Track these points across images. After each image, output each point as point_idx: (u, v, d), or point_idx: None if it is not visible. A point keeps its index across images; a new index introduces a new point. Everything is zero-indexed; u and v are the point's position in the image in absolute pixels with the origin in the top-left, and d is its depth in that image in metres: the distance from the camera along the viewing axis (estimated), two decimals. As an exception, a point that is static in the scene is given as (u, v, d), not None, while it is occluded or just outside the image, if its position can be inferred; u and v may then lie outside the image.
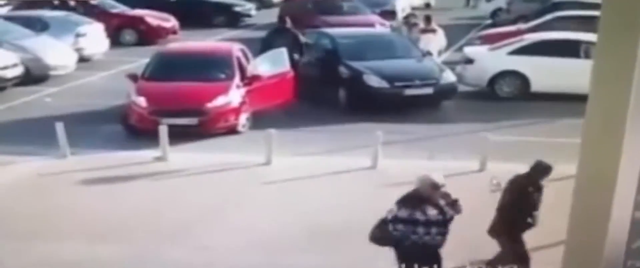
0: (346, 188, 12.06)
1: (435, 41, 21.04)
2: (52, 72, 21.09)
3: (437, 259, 7.68)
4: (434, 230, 7.50)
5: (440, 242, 7.63)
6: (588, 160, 6.49)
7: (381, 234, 7.73)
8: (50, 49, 21.65)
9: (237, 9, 35.68)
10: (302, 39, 19.94)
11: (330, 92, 17.79)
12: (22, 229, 10.32)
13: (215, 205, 11.29)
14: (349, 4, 30.34)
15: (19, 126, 16.17)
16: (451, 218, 7.67)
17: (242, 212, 11.07)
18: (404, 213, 7.49)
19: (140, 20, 29.36)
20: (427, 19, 21.57)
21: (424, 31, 21.05)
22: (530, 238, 9.60)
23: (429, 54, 19.60)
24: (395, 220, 7.52)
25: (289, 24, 20.37)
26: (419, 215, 7.45)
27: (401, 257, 7.70)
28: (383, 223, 7.69)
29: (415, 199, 7.57)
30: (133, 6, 30.52)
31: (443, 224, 7.59)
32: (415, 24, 21.81)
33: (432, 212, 7.48)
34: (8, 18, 24.24)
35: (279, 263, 9.44)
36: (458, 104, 18.12)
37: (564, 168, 9.89)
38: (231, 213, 11.00)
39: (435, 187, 7.58)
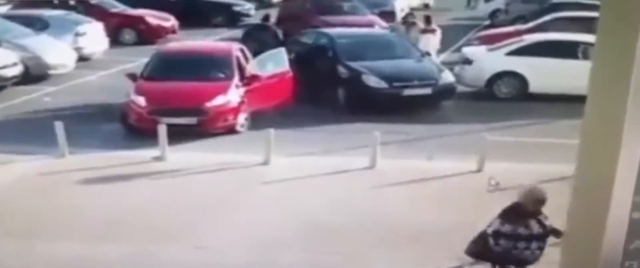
0: (344, 189, 12.07)
1: (434, 41, 21.12)
2: (51, 71, 21.10)
3: None
4: (534, 244, 7.34)
5: (538, 257, 7.47)
6: (586, 161, 6.51)
7: (480, 249, 7.59)
8: (50, 48, 21.65)
9: (237, 8, 35.72)
10: (280, 35, 21.33)
11: (329, 92, 17.81)
12: (21, 228, 10.33)
13: (214, 205, 11.29)
14: (348, 5, 30.36)
15: (18, 125, 16.18)
16: (550, 232, 7.48)
17: (240, 211, 11.08)
18: (507, 228, 7.33)
19: (140, 19, 29.40)
20: (427, 19, 21.61)
21: (424, 31, 21.11)
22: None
23: (427, 54, 19.65)
24: (498, 234, 7.36)
25: (270, 21, 21.98)
26: (522, 230, 7.29)
27: None
28: (482, 237, 7.55)
29: (518, 213, 7.40)
30: (133, 5, 30.55)
31: (543, 238, 7.42)
32: (413, 24, 21.83)
33: (535, 226, 7.31)
34: (8, 17, 24.23)
35: (277, 263, 9.45)
36: (456, 104, 18.16)
37: (562, 169, 9.94)
38: (229, 213, 11.01)
39: (542, 201, 7.38)
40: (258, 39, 20.34)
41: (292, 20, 28.46)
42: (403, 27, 22.23)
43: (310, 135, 15.44)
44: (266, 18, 22.48)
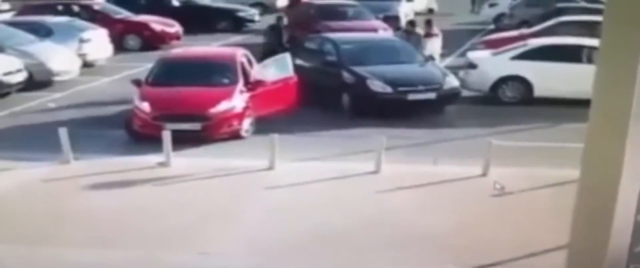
0: (349, 193, 12.07)
1: (436, 45, 21.12)
2: (55, 78, 21.16)
3: None
4: None
5: None
6: (591, 164, 6.50)
7: None
8: (54, 54, 21.68)
9: (241, 14, 35.74)
10: (285, 38, 22.95)
11: (334, 97, 17.81)
12: (27, 234, 10.33)
13: (218, 210, 11.29)
14: (353, 10, 30.35)
15: (23, 131, 16.19)
16: None
17: (245, 217, 11.07)
18: None
19: (144, 25, 29.45)
20: (428, 23, 21.57)
21: (426, 35, 21.10)
22: (534, 242, 9.63)
23: (431, 58, 19.64)
24: None
25: (284, 22, 23.56)
26: None
27: None
28: None
29: None
30: (137, 12, 30.62)
31: None
32: (412, 33, 21.77)
33: None
34: (12, 24, 24.26)
35: (283, 268, 9.46)
36: (461, 108, 18.15)
37: (567, 172, 9.93)
38: (234, 218, 11.00)
39: None
40: (268, 39, 22.45)
41: (296, 25, 28.48)
42: (404, 35, 22.13)
43: (315, 140, 15.44)
44: (278, 19, 23.52)
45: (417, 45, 20.39)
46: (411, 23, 22.34)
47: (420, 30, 21.53)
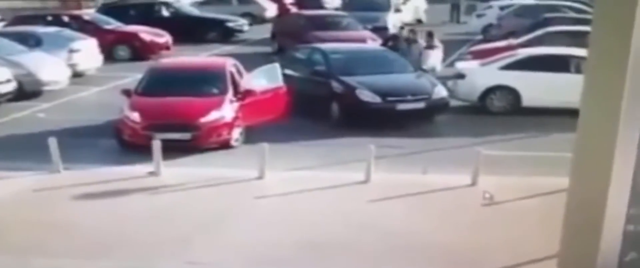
0: (339, 203, 12.08)
1: (437, 57, 21.30)
2: (45, 88, 21.10)
3: None
4: None
5: None
6: (580, 174, 6.54)
7: None
8: (44, 64, 21.64)
9: (230, 24, 35.76)
10: None
11: (323, 106, 17.85)
12: (16, 244, 10.30)
13: (208, 220, 11.29)
14: (342, 20, 30.39)
15: (12, 141, 16.17)
16: None
17: (235, 226, 11.08)
18: None
19: (134, 36, 29.40)
20: (430, 35, 21.76)
21: (428, 47, 21.27)
22: (523, 251, 9.67)
23: (424, 70, 19.74)
24: None
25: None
26: None
27: None
28: None
29: None
30: (127, 22, 30.61)
31: None
32: (414, 41, 21.87)
33: None
34: (1, 34, 24.21)
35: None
36: (450, 118, 18.20)
37: (556, 182, 9.99)
38: (224, 227, 11.01)
39: None
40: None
41: (286, 35, 28.55)
42: (405, 44, 22.21)
43: (305, 149, 15.46)
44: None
45: (417, 57, 20.53)
46: (413, 32, 22.44)
47: (421, 40, 21.70)
